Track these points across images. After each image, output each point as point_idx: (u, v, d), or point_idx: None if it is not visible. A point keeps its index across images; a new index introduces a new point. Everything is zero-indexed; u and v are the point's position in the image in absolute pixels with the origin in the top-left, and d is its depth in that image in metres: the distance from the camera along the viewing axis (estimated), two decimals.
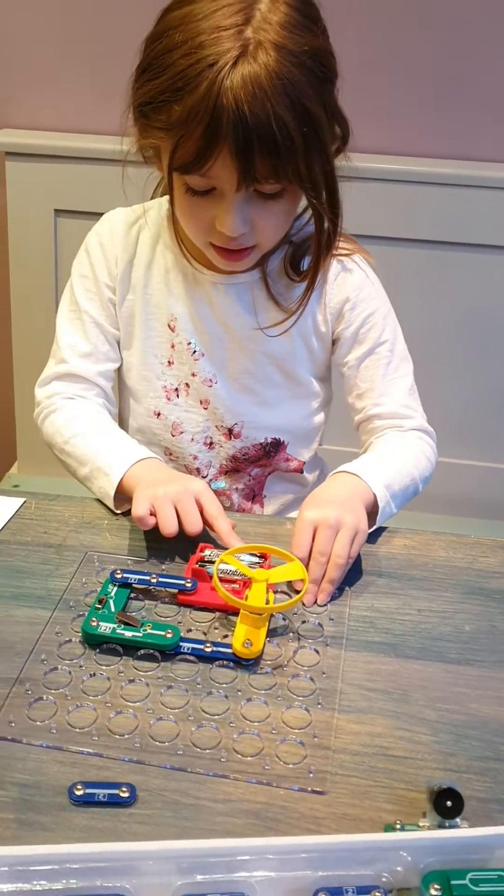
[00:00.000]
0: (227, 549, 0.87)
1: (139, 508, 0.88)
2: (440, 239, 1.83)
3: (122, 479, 0.95)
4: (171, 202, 0.96)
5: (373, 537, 0.94)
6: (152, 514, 0.88)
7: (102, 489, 0.97)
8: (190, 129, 0.84)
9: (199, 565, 0.87)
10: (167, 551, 0.91)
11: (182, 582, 0.84)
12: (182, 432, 1.10)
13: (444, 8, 1.68)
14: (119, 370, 1.12)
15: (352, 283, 1.06)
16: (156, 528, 0.88)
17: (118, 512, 0.97)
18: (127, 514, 0.96)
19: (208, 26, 0.83)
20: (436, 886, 0.55)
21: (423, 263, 1.84)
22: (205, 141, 0.84)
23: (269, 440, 1.11)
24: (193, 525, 0.88)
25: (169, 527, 0.88)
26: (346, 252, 1.07)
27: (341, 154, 0.96)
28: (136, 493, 0.90)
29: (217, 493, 1.13)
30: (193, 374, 1.08)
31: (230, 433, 1.10)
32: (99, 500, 0.99)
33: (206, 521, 0.90)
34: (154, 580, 0.84)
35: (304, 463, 1.15)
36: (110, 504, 0.97)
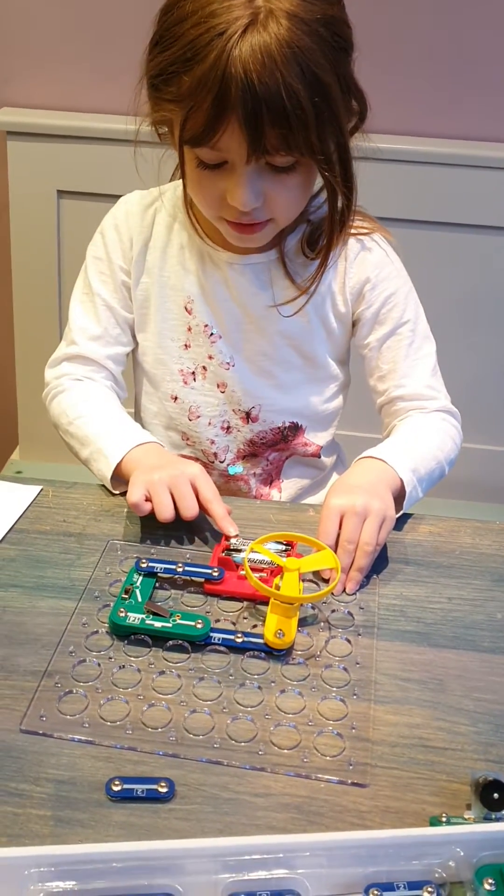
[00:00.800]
0: (251, 538, 0.86)
1: (134, 494, 0.87)
2: (445, 220, 1.80)
3: (119, 462, 0.95)
4: (183, 178, 0.94)
5: (398, 524, 0.93)
6: (148, 499, 0.87)
7: (101, 471, 0.97)
8: (199, 99, 0.82)
9: (225, 553, 0.85)
10: (190, 539, 0.90)
11: (209, 571, 0.83)
12: (199, 416, 1.08)
13: None
14: (135, 354, 1.10)
15: (371, 262, 1.04)
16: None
17: (115, 492, 0.96)
18: (125, 494, 0.94)
19: None
20: (489, 881, 0.54)
21: (429, 245, 1.82)
22: (214, 111, 0.82)
23: (287, 424, 1.09)
24: (189, 509, 0.87)
25: (165, 512, 0.87)
26: (365, 231, 1.04)
27: (359, 132, 0.93)
28: (132, 479, 0.90)
29: (235, 477, 1.11)
30: (210, 357, 1.06)
31: (248, 417, 1.08)
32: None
33: (201, 506, 0.89)
34: (180, 569, 0.83)
35: (322, 447, 1.13)
36: (109, 486, 0.96)
